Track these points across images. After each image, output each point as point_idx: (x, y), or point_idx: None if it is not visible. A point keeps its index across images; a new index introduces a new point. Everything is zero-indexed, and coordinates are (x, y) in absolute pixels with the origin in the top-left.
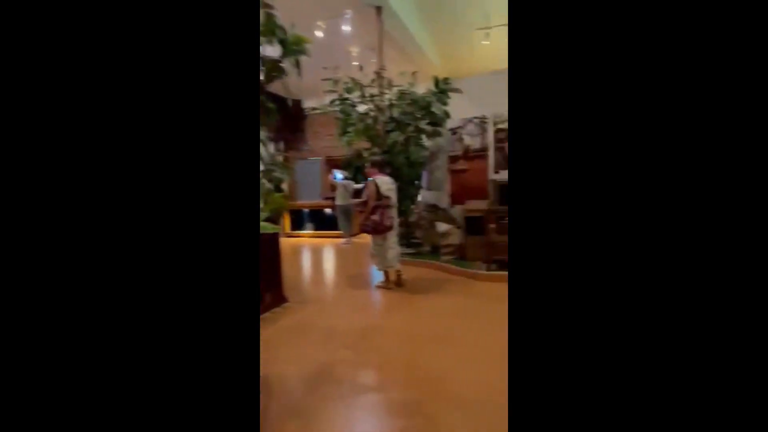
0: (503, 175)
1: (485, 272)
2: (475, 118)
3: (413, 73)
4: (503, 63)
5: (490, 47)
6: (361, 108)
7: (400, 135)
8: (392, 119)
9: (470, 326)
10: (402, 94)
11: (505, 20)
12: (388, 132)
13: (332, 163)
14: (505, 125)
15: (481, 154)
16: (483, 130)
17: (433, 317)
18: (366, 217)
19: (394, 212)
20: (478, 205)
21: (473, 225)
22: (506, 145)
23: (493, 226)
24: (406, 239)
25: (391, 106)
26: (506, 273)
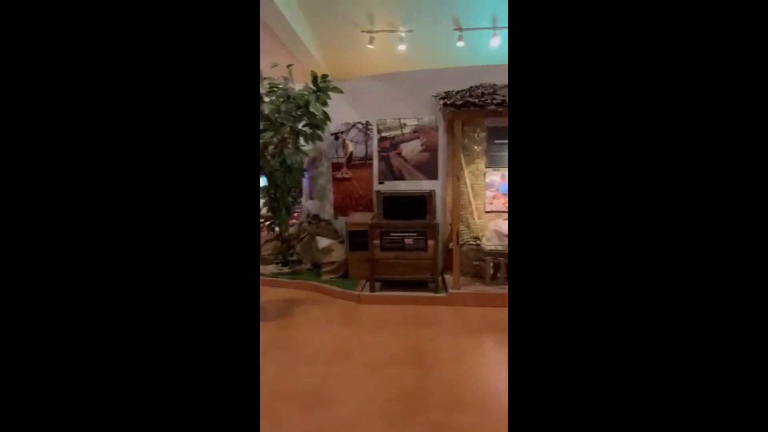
0: (389, 186)
1: (369, 293)
2: (359, 123)
3: (288, 66)
4: (389, 67)
5: (375, 51)
6: None
7: (273, 136)
8: (263, 117)
9: (350, 371)
10: (273, 88)
11: (389, 26)
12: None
13: None
14: (390, 133)
15: (365, 162)
16: (368, 137)
17: (304, 363)
18: None
19: None
20: (362, 218)
21: (357, 240)
22: (391, 154)
23: (376, 242)
24: (282, 256)
25: (261, 101)
26: (392, 293)
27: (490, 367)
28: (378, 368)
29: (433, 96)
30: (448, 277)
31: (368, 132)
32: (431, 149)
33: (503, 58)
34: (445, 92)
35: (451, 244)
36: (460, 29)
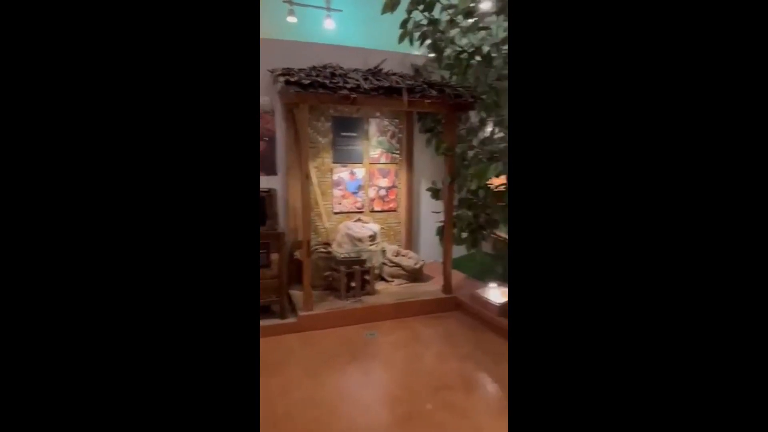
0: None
1: None
2: None
3: None
4: None
5: None
6: None
7: None
8: None
9: None
10: None
11: None
12: None
13: None
14: None
15: None
16: None
17: None
18: None
19: None
20: None
21: None
22: None
23: None
24: None
25: None
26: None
27: (366, 422)
28: None
29: (269, 71)
30: (294, 293)
31: None
32: (267, 137)
33: (340, 40)
34: (285, 68)
35: (297, 253)
36: (290, 2)
